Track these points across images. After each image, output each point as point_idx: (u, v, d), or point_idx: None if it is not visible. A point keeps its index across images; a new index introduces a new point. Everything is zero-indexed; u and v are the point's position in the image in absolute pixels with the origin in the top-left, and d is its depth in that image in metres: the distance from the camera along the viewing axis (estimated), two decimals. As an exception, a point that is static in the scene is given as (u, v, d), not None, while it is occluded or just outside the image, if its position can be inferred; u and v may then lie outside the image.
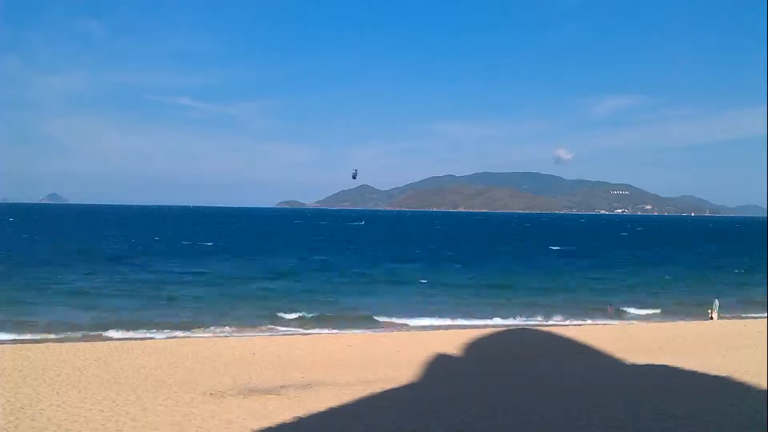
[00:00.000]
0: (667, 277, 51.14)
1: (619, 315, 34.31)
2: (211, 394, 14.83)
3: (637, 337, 24.39)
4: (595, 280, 49.36)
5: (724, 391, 14.43)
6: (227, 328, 27.89)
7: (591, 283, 47.71)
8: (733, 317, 32.47)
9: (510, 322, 30.93)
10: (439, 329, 28.26)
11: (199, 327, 27.83)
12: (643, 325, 30.25)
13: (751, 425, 11.29)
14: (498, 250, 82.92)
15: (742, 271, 56.99)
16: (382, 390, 15.34)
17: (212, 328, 27.82)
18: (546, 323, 30.69)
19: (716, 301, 32.81)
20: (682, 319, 32.03)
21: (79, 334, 25.68)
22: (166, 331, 26.92)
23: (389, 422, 11.86)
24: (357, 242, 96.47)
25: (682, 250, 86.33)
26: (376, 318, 31.07)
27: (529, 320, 31.57)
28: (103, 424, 12.05)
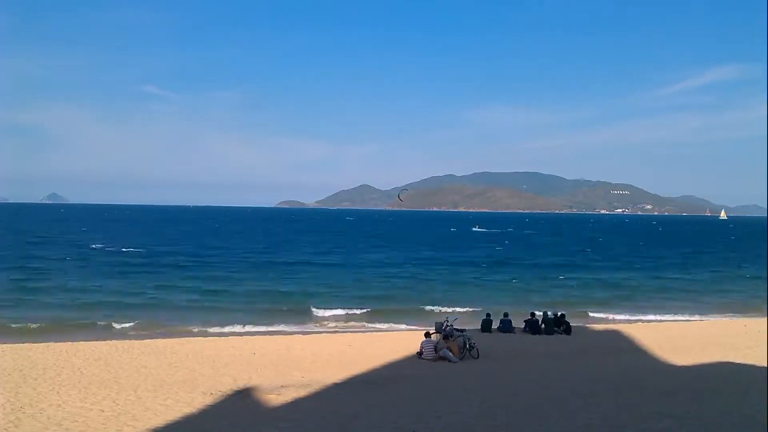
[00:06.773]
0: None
1: None
2: (212, 394, 14.84)
3: (636, 337, 24.40)
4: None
5: (724, 391, 14.43)
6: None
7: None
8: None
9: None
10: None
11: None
12: (643, 325, 30.23)
13: (751, 425, 11.30)
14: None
15: None
16: (382, 390, 15.35)
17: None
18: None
19: None
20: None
21: (79, 334, 25.65)
22: (166, 331, 26.94)
23: (389, 422, 11.87)
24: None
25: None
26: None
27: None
28: (103, 424, 12.07)
